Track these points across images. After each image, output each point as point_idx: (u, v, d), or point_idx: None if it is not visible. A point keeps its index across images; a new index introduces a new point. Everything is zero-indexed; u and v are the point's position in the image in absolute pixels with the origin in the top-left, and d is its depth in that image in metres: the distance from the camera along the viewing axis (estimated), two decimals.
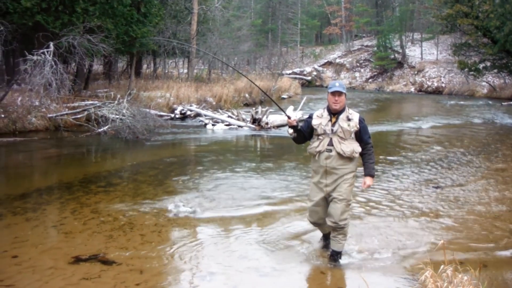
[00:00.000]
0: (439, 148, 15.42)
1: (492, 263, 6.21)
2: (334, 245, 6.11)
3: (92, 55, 18.96)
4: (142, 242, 6.83)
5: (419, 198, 9.28)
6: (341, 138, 5.86)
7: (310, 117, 6.16)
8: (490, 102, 34.39)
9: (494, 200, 9.28)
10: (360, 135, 5.95)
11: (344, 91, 5.85)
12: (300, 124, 6.15)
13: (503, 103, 32.59)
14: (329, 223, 5.99)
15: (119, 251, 6.46)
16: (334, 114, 5.94)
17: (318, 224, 6.31)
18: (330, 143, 5.86)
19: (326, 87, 31.56)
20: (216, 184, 10.24)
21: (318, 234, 6.77)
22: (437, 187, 10.10)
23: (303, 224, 7.48)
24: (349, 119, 5.89)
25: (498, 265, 6.18)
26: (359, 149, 5.92)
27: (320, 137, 5.96)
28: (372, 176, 6.05)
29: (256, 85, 7.21)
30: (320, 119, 5.99)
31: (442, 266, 4.19)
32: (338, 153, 5.82)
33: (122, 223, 7.62)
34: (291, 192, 9.60)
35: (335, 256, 6.13)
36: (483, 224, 7.91)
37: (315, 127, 5.99)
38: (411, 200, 9.14)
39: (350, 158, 5.88)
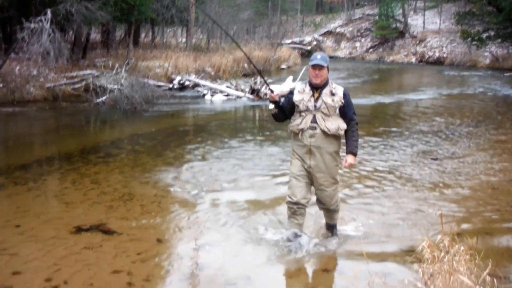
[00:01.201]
0: (439, 119, 15.51)
1: (489, 233, 6.35)
2: (329, 220, 6.07)
3: (90, 23, 18.92)
4: (142, 213, 6.98)
5: (418, 170, 9.38)
6: (325, 114, 5.49)
7: (291, 92, 5.76)
8: (492, 72, 34.39)
9: (494, 172, 9.37)
10: (345, 111, 5.57)
11: (325, 64, 5.47)
12: (282, 100, 5.73)
13: (505, 74, 32.46)
14: (321, 206, 5.91)
15: (120, 221, 6.61)
16: (316, 88, 5.56)
17: (300, 205, 5.70)
18: (314, 120, 5.50)
19: (331, 57, 31.33)
20: (216, 155, 10.40)
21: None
22: (435, 159, 10.20)
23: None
24: (333, 94, 5.53)
25: (495, 235, 6.32)
26: (344, 126, 5.56)
27: (303, 113, 5.58)
28: (354, 154, 5.64)
29: (244, 53, 6.77)
30: (302, 95, 5.60)
31: (439, 237, 4.33)
32: (323, 131, 5.48)
33: (122, 194, 7.76)
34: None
35: (331, 228, 6.09)
36: (482, 195, 8.02)
37: (296, 103, 5.60)
38: (409, 172, 9.25)
39: (335, 136, 5.55)
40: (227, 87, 20.17)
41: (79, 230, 6.29)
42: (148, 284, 5.01)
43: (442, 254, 4.16)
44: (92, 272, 5.21)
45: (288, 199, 5.80)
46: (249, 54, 28.98)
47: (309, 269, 5.44)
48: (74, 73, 18.66)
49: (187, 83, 21.41)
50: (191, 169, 9.23)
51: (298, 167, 5.71)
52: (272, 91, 5.58)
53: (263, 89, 18.86)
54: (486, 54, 41.12)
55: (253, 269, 5.39)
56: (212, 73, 24.53)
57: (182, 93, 20.38)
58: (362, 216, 6.96)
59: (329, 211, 5.92)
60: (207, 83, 20.95)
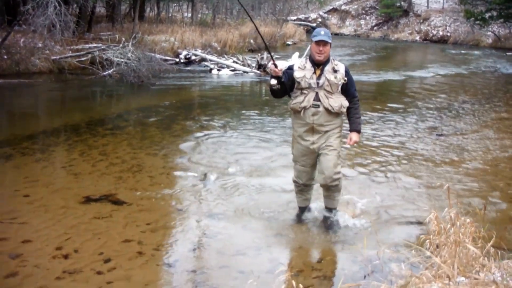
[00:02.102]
0: (443, 96, 15.44)
1: (493, 207, 6.34)
2: (330, 203, 5.78)
3: None
4: (151, 184, 6.96)
5: (424, 145, 9.35)
6: (328, 92, 5.28)
7: (290, 68, 5.42)
8: (495, 51, 34.29)
9: (497, 148, 9.35)
10: (347, 88, 5.37)
11: (329, 41, 5.21)
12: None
13: (507, 53, 32.45)
14: (322, 181, 5.50)
15: (129, 192, 6.59)
16: (318, 65, 5.29)
17: (306, 186, 5.76)
18: (317, 98, 5.27)
19: (336, 34, 31.59)
20: (224, 128, 10.38)
21: None
22: (440, 135, 10.17)
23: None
24: (335, 71, 5.29)
25: (499, 209, 6.31)
26: (346, 103, 5.36)
27: (305, 91, 5.31)
28: (358, 131, 5.51)
29: (256, 27, 6.60)
30: (303, 71, 5.31)
31: (446, 209, 4.30)
32: (326, 109, 5.27)
33: (131, 165, 7.73)
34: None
35: (333, 212, 5.79)
36: (486, 171, 8.02)
37: (298, 80, 5.30)
38: (416, 147, 9.22)
39: (337, 114, 5.36)
40: (234, 62, 20.05)
41: (88, 200, 6.27)
42: (158, 253, 5.00)
43: (448, 226, 4.14)
44: (102, 241, 5.19)
45: (294, 179, 5.79)
46: (255, 30, 28.92)
47: (318, 240, 5.41)
48: (80, 46, 18.57)
49: (193, 57, 21.31)
50: (199, 142, 9.18)
51: (300, 151, 5.55)
52: (275, 66, 5.14)
53: (269, 64, 18.73)
54: (488, 33, 41.00)
55: (262, 239, 5.38)
56: (218, 48, 24.39)
57: (188, 68, 20.28)
58: (369, 190, 6.92)
59: (331, 188, 5.56)
60: (214, 57, 20.84)
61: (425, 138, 9.95)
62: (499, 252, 3.82)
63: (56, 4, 15.39)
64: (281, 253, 5.13)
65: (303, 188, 5.80)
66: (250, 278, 4.33)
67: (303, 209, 5.96)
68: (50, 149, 8.59)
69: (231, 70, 19.22)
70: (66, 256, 4.81)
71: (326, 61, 5.31)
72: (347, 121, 5.59)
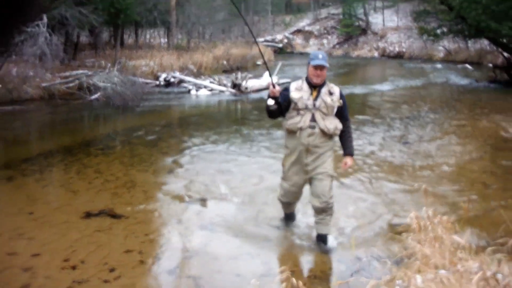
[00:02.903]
0: (405, 107, 15.64)
1: (464, 206, 6.45)
2: (322, 229, 5.30)
3: (82, 27, 18.77)
4: (145, 198, 6.98)
5: (392, 153, 9.49)
6: (324, 113, 5.08)
7: (286, 89, 5.22)
8: (447, 64, 34.88)
9: (458, 152, 9.54)
10: (342, 111, 5.20)
11: (327, 65, 5.03)
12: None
13: (458, 66, 32.94)
14: (318, 204, 5.16)
15: (125, 206, 6.58)
16: (314, 87, 5.13)
17: (290, 203, 5.66)
18: (313, 119, 5.07)
19: (301, 53, 31.39)
20: (209, 142, 10.41)
21: None
22: (407, 143, 10.34)
23: None
24: (331, 93, 5.13)
25: (471, 207, 6.43)
26: (340, 126, 5.18)
27: (301, 112, 5.10)
28: (352, 155, 5.33)
29: (260, 51, 6.26)
30: (300, 92, 5.12)
31: (424, 208, 4.41)
32: (322, 130, 5.07)
33: (125, 182, 7.73)
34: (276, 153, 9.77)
35: (325, 239, 5.29)
36: (451, 174, 8.21)
37: (295, 100, 5.11)
38: (385, 155, 9.35)
39: (331, 136, 5.16)
40: (211, 82, 20.10)
41: (88, 215, 6.27)
42: (159, 261, 5.03)
43: (428, 223, 4.24)
44: (105, 252, 5.21)
45: (279, 197, 5.61)
46: (227, 52, 29.07)
47: (306, 243, 5.48)
48: (68, 73, 18.43)
49: (172, 80, 21.26)
50: (186, 157, 9.23)
51: (292, 171, 5.30)
52: (274, 86, 4.96)
53: (244, 84, 18.84)
54: (440, 48, 41.70)
55: (254, 245, 5.43)
56: (195, 70, 24.38)
57: (168, 89, 20.22)
58: (350, 197, 7.02)
59: (325, 211, 5.19)
60: (192, 79, 20.84)
61: (393, 146, 10.10)
62: (473, 246, 3.91)
63: (47, 34, 15.32)
64: (271, 257, 5.20)
65: (287, 206, 5.75)
66: (246, 280, 4.40)
67: (289, 215, 5.93)
68: (48, 170, 8.56)
69: (209, 90, 19.24)
70: (73, 267, 4.82)
71: (322, 84, 5.15)
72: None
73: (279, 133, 11.13)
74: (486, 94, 19.30)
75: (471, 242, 3.84)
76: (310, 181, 5.26)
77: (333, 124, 5.12)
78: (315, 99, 5.09)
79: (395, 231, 5.36)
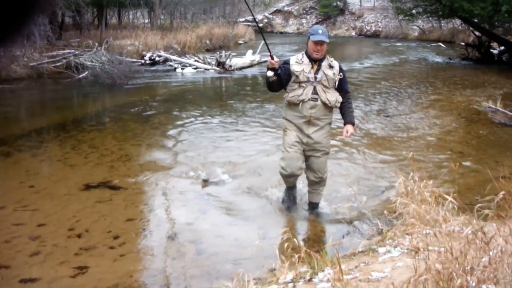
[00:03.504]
0: (384, 83, 15.81)
1: (443, 170, 6.64)
2: (315, 198, 5.50)
3: (70, 6, 18.57)
4: (141, 170, 7.04)
5: (374, 125, 9.69)
6: (325, 86, 5.06)
7: (286, 63, 5.18)
8: (421, 43, 35.28)
9: (434, 125, 9.79)
10: (341, 84, 5.16)
11: (327, 40, 4.98)
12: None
13: (431, 44, 33.52)
14: (313, 178, 5.31)
15: (123, 178, 6.67)
16: (315, 61, 5.07)
17: (293, 175, 5.30)
18: (315, 92, 5.04)
19: (280, 33, 31.31)
20: (197, 117, 10.50)
21: None
22: (387, 116, 10.52)
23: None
24: (331, 67, 5.09)
25: (451, 173, 6.61)
26: (340, 98, 5.16)
27: (303, 84, 5.06)
28: (353, 124, 5.28)
29: (265, 40, 6.11)
30: (301, 65, 5.08)
31: (411, 174, 4.56)
32: (324, 103, 5.06)
33: (120, 155, 7.79)
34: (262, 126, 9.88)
35: (316, 207, 5.53)
36: (431, 143, 8.43)
37: (296, 73, 5.06)
38: (368, 127, 9.55)
39: (331, 108, 5.17)
40: (196, 61, 20.05)
41: (88, 187, 6.34)
42: (160, 229, 5.14)
43: (415, 187, 4.40)
44: (108, 221, 5.30)
45: (282, 171, 5.26)
46: (209, 32, 28.97)
47: (300, 210, 5.62)
48: (55, 52, 18.22)
49: (157, 58, 21.15)
50: (178, 131, 9.30)
51: (293, 137, 5.17)
52: (272, 58, 4.89)
53: (228, 62, 18.85)
54: (414, 27, 42.04)
55: (250, 212, 5.58)
56: (179, 49, 24.21)
57: (154, 68, 20.09)
58: (341, 167, 7.18)
59: (319, 183, 5.38)
60: (177, 58, 20.76)
61: (375, 119, 10.28)
62: (456, 206, 4.06)
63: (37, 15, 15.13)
64: (267, 223, 5.32)
65: (291, 182, 5.43)
66: (245, 244, 4.54)
67: (291, 190, 5.61)
68: (44, 145, 8.60)
69: (194, 68, 19.20)
70: (79, 236, 4.91)
71: (323, 58, 5.10)
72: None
73: (268, 107, 11.29)
74: (459, 71, 19.56)
75: (458, 201, 3.97)
76: (307, 156, 5.27)
77: (334, 97, 5.10)
78: (316, 72, 5.05)
79: (385, 196, 5.54)
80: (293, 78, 5.11)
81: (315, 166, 5.26)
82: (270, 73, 4.93)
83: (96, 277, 4.16)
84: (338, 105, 5.17)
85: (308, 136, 5.15)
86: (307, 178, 5.42)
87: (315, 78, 5.04)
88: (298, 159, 5.18)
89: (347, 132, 5.20)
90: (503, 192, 3.27)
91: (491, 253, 2.81)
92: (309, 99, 5.05)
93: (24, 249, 4.58)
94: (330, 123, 5.28)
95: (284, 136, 5.28)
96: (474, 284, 2.64)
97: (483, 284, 2.62)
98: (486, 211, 3.18)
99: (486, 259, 2.78)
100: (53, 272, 4.19)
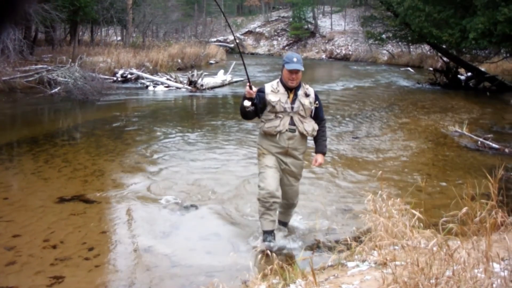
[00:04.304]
0: (353, 106, 16.12)
1: (410, 189, 6.88)
2: (286, 218, 5.52)
3: (45, 22, 18.57)
4: (115, 185, 7.13)
5: (343, 147, 9.91)
6: (302, 116, 4.96)
7: (261, 91, 4.98)
8: (390, 67, 36.06)
9: (403, 147, 10.05)
10: (318, 112, 5.06)
11: (302, 68, 4.87)
12: None
13: (400, 68, 34.30)
14: (285, 202, 5.26)
15: (96, 192, 6.73)
16: (290, 89, 4.95)
17: (275, 198, 4.94)
18: (292, 123, 4.93)
19: (252, 54, 31.49)
20: (169, 135, 10.59)
21: None
22: (356, 138, 10.77)
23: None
24: (307, 95, 4.98)
25: (415, 192, 6.87)
26: (317, 127, 5.07)
27: (280, 115, 4.93)
28: (324, 153, 5.20)
29: (242, 59, 5.72)
30: (278, 95, 4.93)
31: (379, 192, 4.75)
32: (301, 133, 4.96)
33: (93, 170, 7.86)
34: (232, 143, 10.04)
35: (286, 225, 5.53)
36: (398, 165, 8.66)
37: (273, 103, 4.90)
38: (337, 148, 9.75)
39: (307, 137, 5.09)
40: (168, 79, 20.16)
41: (62, 200, 6.40)
42: (135, 241, 5.23)
43: (383, 204, 4.58)
44: (83, 233, 5.38)
45: (262, 192, 4.94)
46: (181, 51, 29.14)
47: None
48: (27, 67, 18.17)
49: (129, 76, 21.22)
50: (150, 148, 9.38)
51: (272, 160, 5.02)
52: (250, 87, 4.71)
53: (200, 81, 19.01)
54: (384, 52, 43.02)
55: (223, 227, 5.71)
56: (151, 67, 24.31)
57: (126, 85, 20.11)
58: (311, 186, 7.29)
59: (291, 207, 5.40)
60: (149, 76, 20.85)
61: (344, 141, 10.50)
62: (421, 224, 4.25)
63: (10, 29, 15.14)
64: (238, 238, 5.45)
65: (271, 204, 4.94)
66: (217, 257, 4.67)
67: (269, 232, 5.08)
68: (17, 159, 8.61)
69: (166, 87, 19.30)
70: (54, 247, 4.98)
71: (298, 86, 4.99)
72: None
73: (229, 123, 11.46)
74: (427, 95, 20.05)
75: (424, 218, 4.15)
76: (282, 183, 5.13)
77: (311, 126, 5.01)
78: (293, 102, 4.94)
79: (354, 213, 5.72)
80: (269, 108, 4.98)
81: (288, 195, 5.22)
82: (247, 103, 4.77)
83: (72, 287, 4.24)
84: (315, 133, 5.09)
85: (286, 164, 5.07)
86: (282, 202, 5.28)
87: (292, 108, 4.93)
88: (277, 179, 5.01)
89: (316, 161, 5.12)
90: (466, 208, 3.47)
91: (454, 265, 3.01)
92: (286, 130, 4.94)
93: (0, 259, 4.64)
94: (304, 154, 5.20)
95: (262, 159, 5.10)
96: None
97: None
98: (450, 225, 3.38)
99: (450, 271, 2.98)
100: (29, 281, 4.26)
